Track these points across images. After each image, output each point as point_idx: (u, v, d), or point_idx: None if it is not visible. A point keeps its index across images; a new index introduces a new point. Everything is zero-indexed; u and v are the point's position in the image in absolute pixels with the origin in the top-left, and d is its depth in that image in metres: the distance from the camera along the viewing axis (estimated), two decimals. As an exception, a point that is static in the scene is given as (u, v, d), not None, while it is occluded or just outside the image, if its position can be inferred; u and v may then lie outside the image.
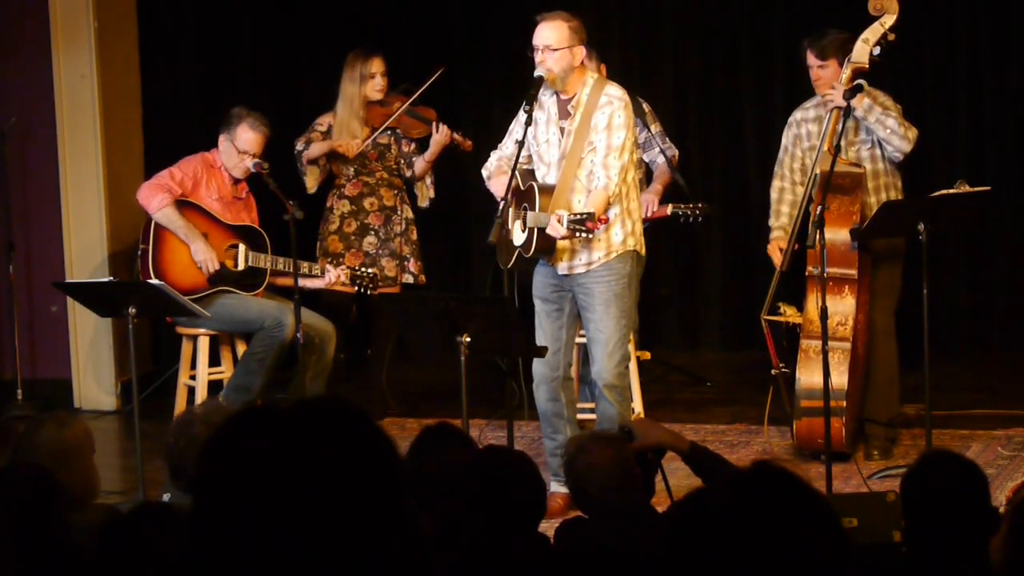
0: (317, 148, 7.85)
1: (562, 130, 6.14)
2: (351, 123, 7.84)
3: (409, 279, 7.90)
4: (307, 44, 9.56)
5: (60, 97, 8.55)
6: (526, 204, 6.17)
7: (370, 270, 7.61)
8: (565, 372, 6.27)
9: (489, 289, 6.58)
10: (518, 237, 6.19)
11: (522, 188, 6.20)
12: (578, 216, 5.78)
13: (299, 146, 7.88)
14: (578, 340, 6.63)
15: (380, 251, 7.83)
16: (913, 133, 6.75)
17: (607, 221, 5.96)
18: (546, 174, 6.18)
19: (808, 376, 6.67)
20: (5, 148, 8.59)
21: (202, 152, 7.60)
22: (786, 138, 7.06)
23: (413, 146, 7.92)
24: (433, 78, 7.88)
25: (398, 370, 8.45)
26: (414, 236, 7.97)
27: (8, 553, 3.35)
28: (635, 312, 6.81)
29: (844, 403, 6.52)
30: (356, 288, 7.64)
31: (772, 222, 7.05)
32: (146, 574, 3.08)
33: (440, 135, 7.78)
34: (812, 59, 6.87)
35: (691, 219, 7.61)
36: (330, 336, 7.48)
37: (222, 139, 7.53)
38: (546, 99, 6.19)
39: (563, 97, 6.15)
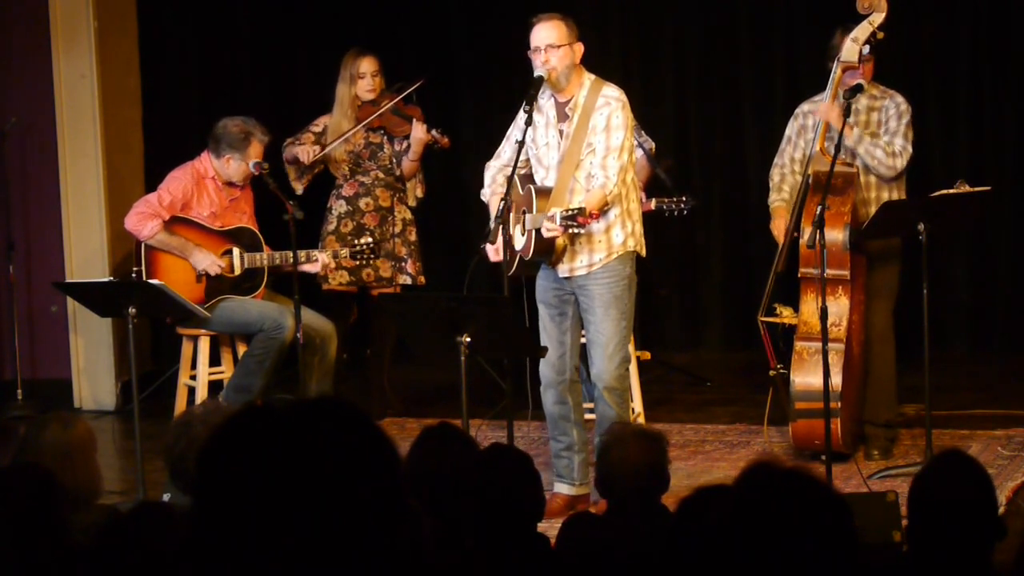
0: (289, 152, 7.87)
1: (561, 132, 6.14)
2: (342, 123, 7.85)
3: (407, 280, 7.89)
4: (306, 44, 9.56)
5: (60, 97, 8.55)
6: (524, 208, 6.17)
7: (368, 240, 7.60)
8: (572, 375, 6.27)
9: (467, 288, 6.57)
10: (518, 241, 6.19)
11: (520, 192, 6.20)
12: (569, 212, 5.79)
13: (283, 147, 7.90)
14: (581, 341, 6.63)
15: (379, 251, 7.81)
16: (902, 161, 6.76)
17: (598, 217, 5.94)
18: (545, 177, 6.18)
19: (803, 378, 6.67)
20: (5, 148, 8.59)
21: (192, 163, 7.50)
22: (790, 128, 7.06)
23: (405, 145, 7.91)
24: (414, 86, 7.86)
25: (398, 370, 8.45)
26: (412, 236, 7.96)
27: (8, 553, 3.35)
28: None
29: (839, 404, 6.52)
30: (357, 263, 7.67)
31: (772, 197, 7.04)
32: (146, 574, 3.08)
33: (418, 133, 7.77)
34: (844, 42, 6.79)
35: (676, 212, 7.59)
36: (331, 336, 7.48)
37: (226, 158, 7.42)
38: (544, 102, 6.18)
39: (561, 100, 6.15)
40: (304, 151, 7.79)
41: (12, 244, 8.61)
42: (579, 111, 6.09)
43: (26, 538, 3.37)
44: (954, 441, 6.93)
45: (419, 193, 8.03)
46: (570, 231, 5.86)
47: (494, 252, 6.12)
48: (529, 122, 6.09)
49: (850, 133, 6.65)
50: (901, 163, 6.77)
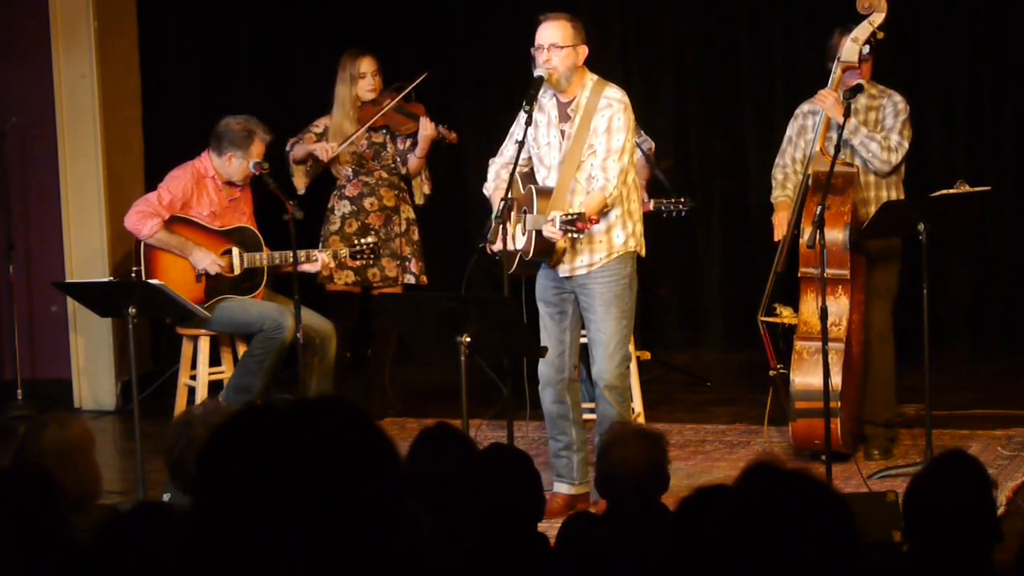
0: (300, 150, 7.86)
1: (562, 133, 6.13)
2: (343, 124, 7.84)
3: (410, 279, 7.90)
4: (306, 44, 9.56)
5: (60, 97, 8.55)
6: (525, 208, 6.17)
7: (369, 240, 7.61)
8: (570, 374, 6.27)
9: (465, 287, 6.57)
10: (518, 241, 6.19)
11: (522, 192, 6.20)
12: (569, 216, 5.79)
13: (287, 147, 7.89)
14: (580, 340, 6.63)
15: (380, 251, 7.81)
16: (897, 156, 6.75)
17: (598, 221, 5.95)
18: (546, 177, 6.18)
19: (803, 377, 6.67)
20: (5, 148, 8.59)
21: (192, 162, 7.49)
22: (791, 129, 7.06)
23: (408, 143, 7.92)
24: (416, 82, 7.86)
25: (398, 370, 8.45)
26: (416, 236, 7.97)
27: (8, 553, 3.35)
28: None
29: (839, 403, 6.52)
30: (359, 263, 7.68)
31: (776, 193, 7.02)
32: (146, 574, 3.08)
33: (425, 129, 7.77)
34: (843, 42, 6.81)
35: (675, 214, 7.59)
36: (330, 336, 7.47)
37: (228, 156, 7.41)
38: (546, 101, 6.18)
39: (563, 100, 6.15)
40: (322, 148, 7.78)
41: (12, 244, 8.61)
42: (581, 112, 6.09)
43: (26, 538, 3.37)
44: (954, 441, 6.93)
45: (426, 190, 8.04)
46: (569, 235, 5.87)
47: (497, 245, 6.10)
48: (529, 122, 6.08)
49: (848, 124, 6.65)
50: (896, 158, 6.77)
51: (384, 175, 7.93)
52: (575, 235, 5.87)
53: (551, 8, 6.22)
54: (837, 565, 1.92)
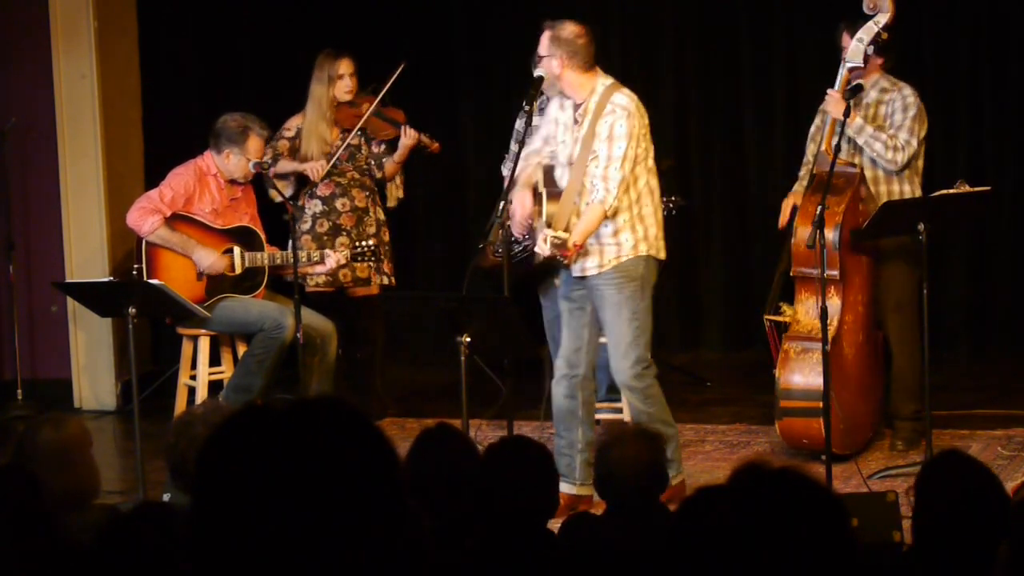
0: (283, 166, 7.79)
1: (574, 137, 6.21)
2: (319, 125, 7.78)
3: (384, 280, 7.86)
4: (306, 44, 9.55)
5: (60, 97, 8.55)
6: (539, 209, 6.27)
7: (369, 242, 7.59)
8: (586, 371, 6.30)
9: (466, 288, 6.58)
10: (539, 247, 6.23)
11: (539, 189, 6.28)
12: (558, 240, 5.86)
13: (266, 158, 7.64)
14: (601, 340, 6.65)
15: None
16: (903, 156, 6.71)
17: (581, 247, 6.01)
18: (561, 176, 6.25)
19: (787, 376, 6.65)
20: (5, 148, 8.59)
21: (195, 160, 7.50)
22: (813, 127, 7.06)
23: (383, 147, 7.88)
24: (396, 74, 7.82)
25: (396, 370, 8.44)
26: (386, 237, 7.92)
27: (8, 553, 3.35)
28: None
29: (820, 403, 6.47)
30: (356, 263, 7.66)
31: (796, 188, 7.00)
32: (146, 574, 3.08)
33: (407, 138, 7.73)
34: (847, 41, 6.80)
35: (665, 212, 7.60)
36: (331, 336, 7.47)
37: (226, 154, 7.42)
38: (566, 102, 6.25)
39: (576, 103, 6.22)
40: (311, 169, 7.71)
41: (12, 244, 8.61)
42: (589, 116, 6.16)
43: (24, 538, 3.37)
44: (954, 441, 6.92)
45: (399, 194, 8.01)
46: (557, 258, 5.96)
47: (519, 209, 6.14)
48: (529, 121, 6.15)
49: (852, 122, 6.64)
50: (902, 157, 6.74)
51: (356, 176, 7.89)
52: (562, 259, 5.96)
53: (553, 9, 6.27)
54: (833, 560, 1.92)
